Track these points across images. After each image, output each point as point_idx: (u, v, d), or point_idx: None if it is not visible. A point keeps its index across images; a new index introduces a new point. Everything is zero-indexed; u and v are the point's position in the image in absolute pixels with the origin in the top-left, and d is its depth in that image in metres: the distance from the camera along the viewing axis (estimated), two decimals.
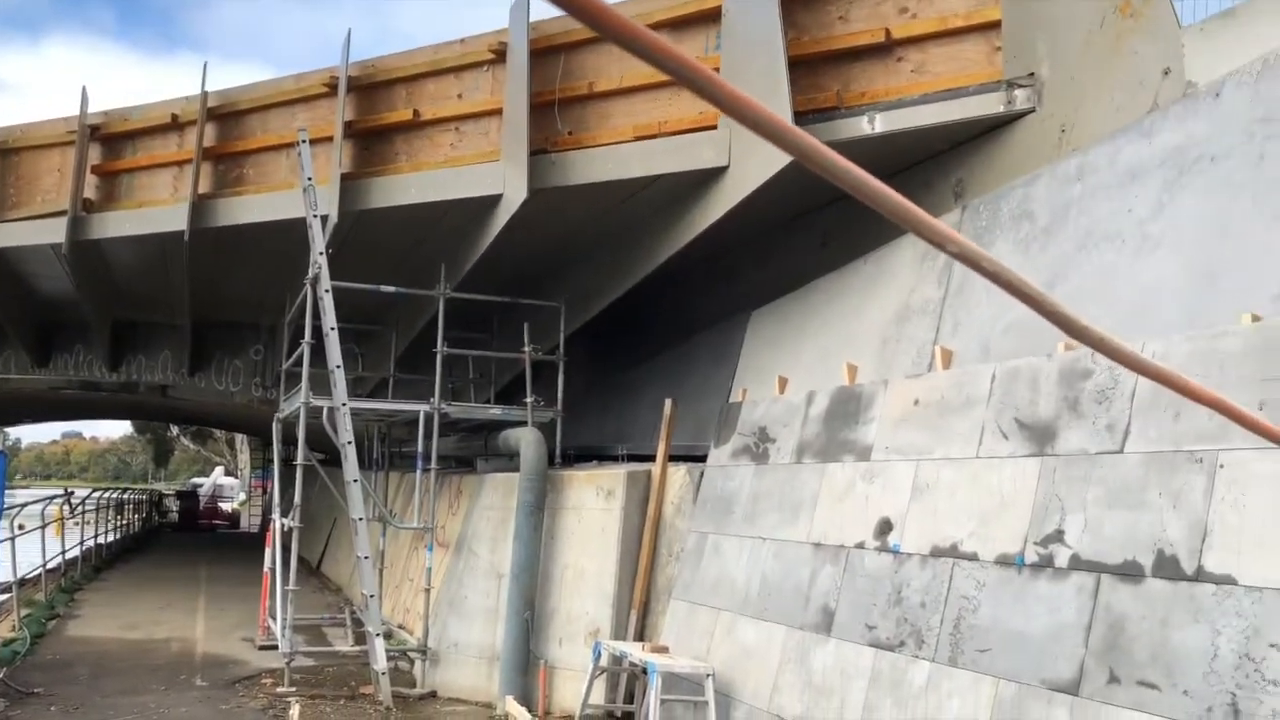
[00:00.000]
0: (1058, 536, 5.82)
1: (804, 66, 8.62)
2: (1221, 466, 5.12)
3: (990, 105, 7.88)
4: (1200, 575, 5.01)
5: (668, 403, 10.65)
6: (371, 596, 10.66)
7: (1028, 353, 6.73)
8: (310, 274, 11.26)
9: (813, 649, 7.39)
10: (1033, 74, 7.79)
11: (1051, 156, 7.39)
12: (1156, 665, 5.03)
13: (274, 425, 14.23)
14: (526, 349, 12.14)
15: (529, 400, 12.03)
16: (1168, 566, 5.18)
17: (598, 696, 9.45)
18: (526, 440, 11.11)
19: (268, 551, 13.55)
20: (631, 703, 9.45)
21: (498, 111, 10.51)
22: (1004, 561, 6.10)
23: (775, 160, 8.24)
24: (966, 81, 8.10)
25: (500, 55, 10.49)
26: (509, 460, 12.24)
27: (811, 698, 7.22)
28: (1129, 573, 5.36)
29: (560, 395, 12.31)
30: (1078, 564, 5.64)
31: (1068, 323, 1.30)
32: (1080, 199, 6.92)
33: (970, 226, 7.89)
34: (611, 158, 9.79)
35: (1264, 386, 5.13)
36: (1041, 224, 7.16)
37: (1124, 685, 5.15)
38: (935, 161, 8.76)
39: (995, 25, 8.04)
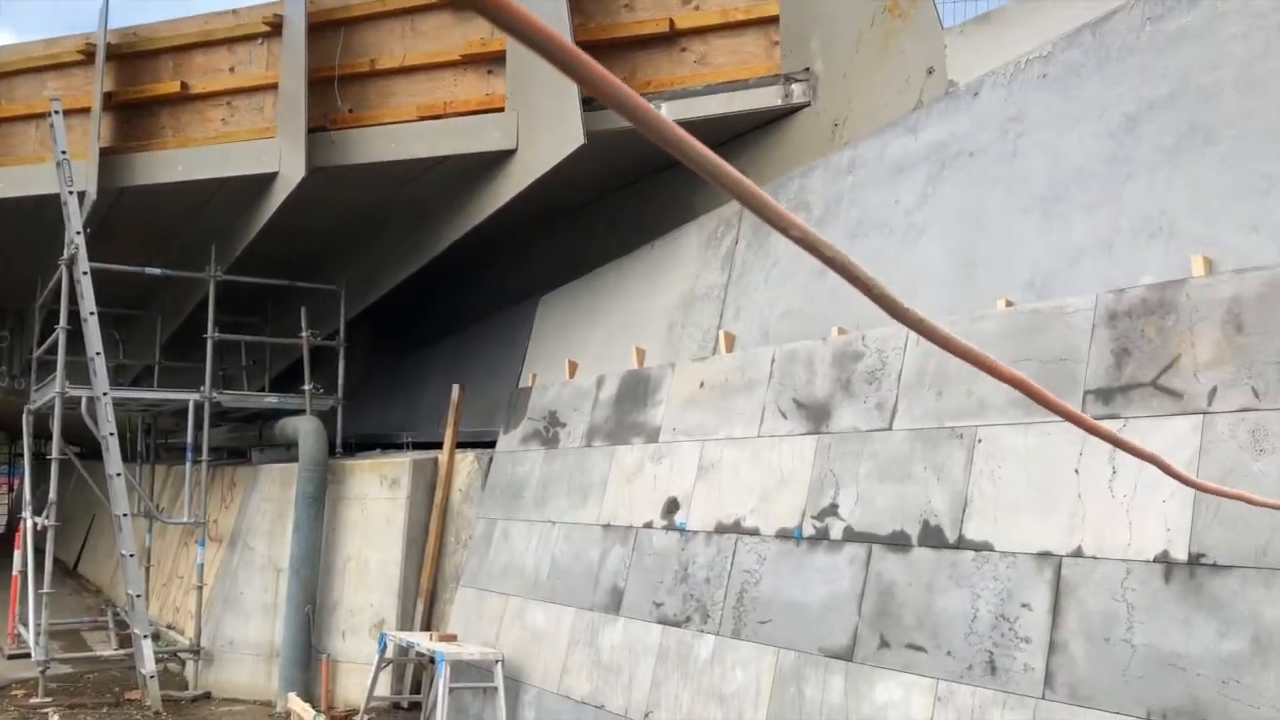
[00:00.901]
0: (833, 510, 6.10)
1: (591, 53, 8.62)
2: (980, 441, 5.50)
3: (769, 98, 8.15)
4: (961, 543, 5.37)
5: (455, 388, 10.51)
6: (138, 596, 10.04)
7: (803, 336, 7.02)
8: (66, 254, 10.46)
9: (602, 629, 7.48)
10: (808, 69, 8.11)
11: (826, 149, 7.73)
12: (923, 629, 5.36)
13: (24, 417, 13.15)
14: (304, 334, 11.69)
15: (307, 388, 11.60)
16: (932, 536, 5.53)
17: (383, 689, 9.25)
18: (305, 429, 10.72)
19: (17, 554, 12.53)
20: (419, 693, 9.30)
21: (273, 87, 10.06)
22: (784, 535, 6.35)
23: (564, 144, 8.26)
24: (747, 74, 8.35)
25: (276, 28, 10.03)
26: (286, 450, 11.77)
27: (601, 676, 7.31)
28: (898, 543, 5.69)
29: (341, 382, 11.93)
30: (851, 536, 5.94)
31: (892, 305, 1.36)
32: (852, 190, 7.26)
33: (751, 215, 8.13)
34: (394, 137, 9.55)
35: (1016, 367, 5.52)
36: (817, 214, 7.47)
37: (894, 649, 5.46)
38: (718, 151, 8.95)
39: (773, 20, 8.32)
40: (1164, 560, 4.50)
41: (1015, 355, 5.55)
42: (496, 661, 7.96)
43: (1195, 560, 4.39)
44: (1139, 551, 4.61)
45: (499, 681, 7.88)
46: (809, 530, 6.22)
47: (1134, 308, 5.10)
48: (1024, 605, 4.95)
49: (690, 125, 8.42)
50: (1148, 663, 4.40)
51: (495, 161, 9.27)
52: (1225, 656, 4.16)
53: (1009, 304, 5.78)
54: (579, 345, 9.57)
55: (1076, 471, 4.99)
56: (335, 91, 9.77)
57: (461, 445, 10.36)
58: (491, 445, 9.95)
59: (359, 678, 9.45)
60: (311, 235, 11.79)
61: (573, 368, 9.22)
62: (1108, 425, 4.90)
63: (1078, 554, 4.84)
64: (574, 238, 10.77)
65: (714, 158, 1.07)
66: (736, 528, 6.72)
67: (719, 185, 1.09)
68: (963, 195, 6.45)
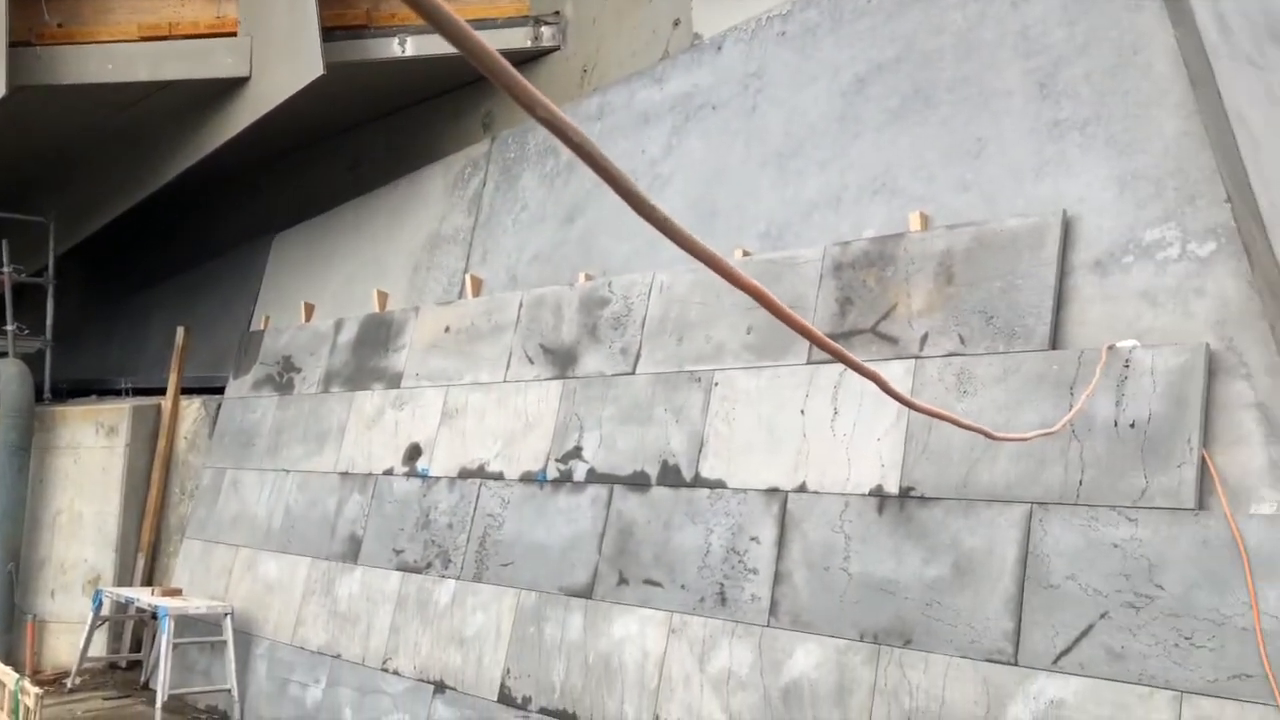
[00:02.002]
0: (577, 453, 6.18)
1: None
2: (716, 384, 5.70)
3: (518, 39, 8.05)
4: (698, 481, 5.56)
5: (180, 330, 9.87)
6: None
7: (551, 282, 7.03)
8: None
9: (339, 578, 7.28)
10: (558, 12, 8.07)
11: (575, 94, 7.72)
12: (660, 565, 5.54)
13: None
14: (5, 269, 10.63)
15: (10, 328, 10.58)
16: (671, 475, 5.70)
17: (99, 648, 8.65)
18: (7, 374, 9.77)
19: None
20: (139, 651, 8.76)
21: None
22: (528, 479, 6.37)
23: (302, 74, 7.86)
24: (496, 14, 8.21)
25: None
26: None
27: (338, 626, 7.12)
28: (638, 483, 5.83)
29: (50, 323, 10.94)
30: (594, 477, 6.03)
31: (638, 201, 1.35)
32: (600, 137, 7.29)
33: (499, 158, 8.06)
34: (112, 57, 8.76)
35: (751, 314, 5.76)
36: (565, 159, 7.47)
37: (632, 585, 5.61)
38: (467, 91, 8.80)
39: None
40: (878, 494, 4.83)
41: (752, 302, 5.76)
42: (225, 614, 7.60)
43: (905, 493, 4.74)
44: (856, 486, 4.93)
45: (228, 635, 7.54)
46: (553, 473, 6.27)
47: (857, 259, 5.40)
48: (753, 539, 5.20)
49: (436, 61, 8.20)
50: (862, 589, 4.72)
51: (227, 89, 8.70)
52: (930, 581, 4.52)
53: (746, 254, 5.99)
54: (317, 287, 9.19)
55: (802, 412, 5.26)
56: (42, 3, 8.85)
57: (188, 391, 9.76)
58: (221, 391, 9.43)
59: (71, 638, 8.80)
60: (15, 161, 10.69)
61: (309, 310, 8.86)
62: (831, 369, 5.20)
63: (802, 489, 5.11)
64: (313, 174, 10.30)
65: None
66: (481, 472, 6.69)
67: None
68: (706, 147, 6.61)
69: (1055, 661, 4.07)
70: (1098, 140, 4.77)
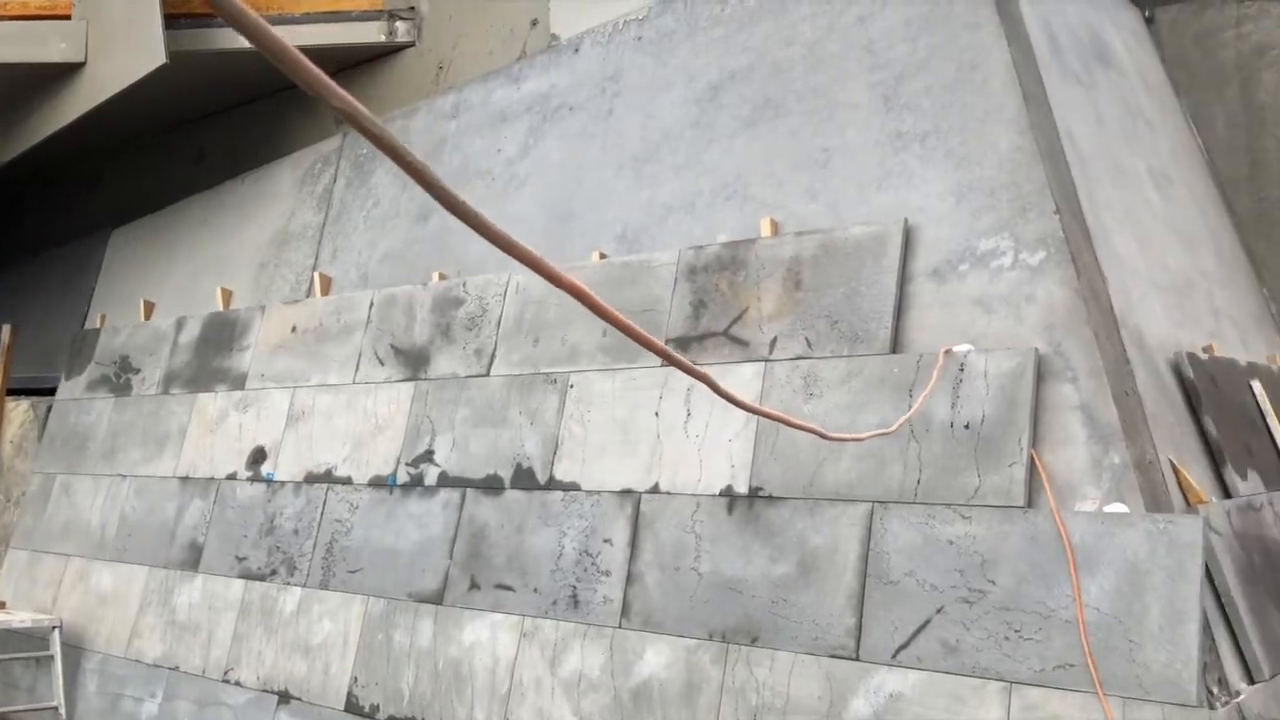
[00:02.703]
0: (428, 457, 6.08)
1: None
2: (572, 386, 5.69)
3: (371, 33, 7.88)
4: (551, 484, 5.54)
5: (5, 328, 9.32)
6: None
7: (404, 281, 6.90)
8: None
9: (178, 587, 6.98)
10: (413, 8, 7.93)
11: (430, 91, 7.61)
12: (512, 568, 5.49)
13: None
14: None
15: None
16: (525, 478, 5.66)
17: None
18: None
19: None
20: None
21: None
22: (377, 483, 6.24)
23: (142, 62, 7.52)
24: (350, 6, 8.01)
25: None
26: None
27: (176, 637, 6.83)
28: (492, 486, 5.77)
29: None
30: (446, 481, 5.94)
31: (462, 210, 1.33)
32: (456, 135, 7.21)
33: (351, 153, 7.87)
34: None
35: None
36: (419, 156, 7.33)
37: (484, 590, 5.55)
38: None
39: None
40: (728, 494, 4.90)
41: (608, 304, 5.78)
42: (54, 628, 7.21)
43: (754, 493, 4.82)
44: (708, 487, 4.99)
45: (56, 649, 7.15)
46: (403, 477, 6.15)
47: (711, 263, 5.47)
48: (606, 541, 5.20)
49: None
50: (711, 588, 4.78)
51: (59, 75, 8.26)
52: (776, 579, 4.61)
53: (603, 256, 6.00)
54: (157, 284, 8.81)
55: (657, 414, 5.29)
56: None
57: (15, 392, 9.23)
58: (52, 392, 8.94)
59: None
60: None
61: (149, 308, 8.48)
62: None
63: (655, 490, 5.15)
64: (155, 167, 9.86)
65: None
66: (328, 477, 6.52)
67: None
68: (562, 149, 6.60)
69: (894, 656, 4.20)
70: (937, 153, 4.95)
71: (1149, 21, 7.38)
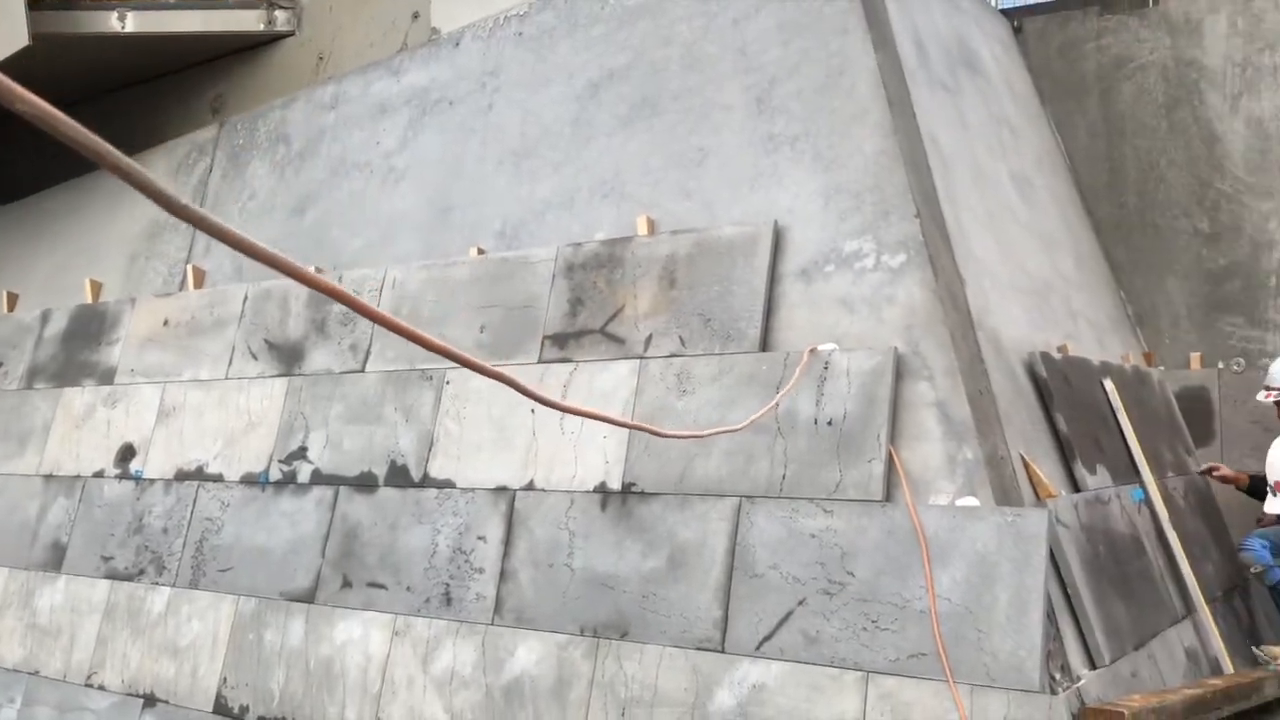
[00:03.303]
0: (301, 453, 5.98)
1: None
2: (448, 383, 5.66)
3: (249, 22, 7.71)
4: (426, 481, 5.51)
5: None
6: None
7: (278, 274, 6.76)
8: None
9: (40, 589, 6.75)
10: None
11: (309, 82, 7.48)
12: (385, 567, 5.44)
13: None
14: None
15: None
16: (399, 475, 5.61)
17: None
18: None
19: None
20: None
21: None
22: (249, 481, 6.12)
23: (3, 44, 7.23)
24: None
25: None
26: None
27: (36, 640, 6.60)
28: (365, 483, 5.71)
29: None
30: (319, 478, 5.86)
31: (299, 274, 1.32)
32: (334, 127, 7.10)
33: (228, 144, 7.69)
34: None
35: (485, 312, 5.76)
36: (297, 148, 7.22)
37: (356, 589, 5.49)
38: (195, 72, 8.35)
39: None
40: (602, 490, 4.93)
41: (485, 301, 5.78)
42: None
43: (627, 489, 4.86)
44: (582, 483, 5.02)
45: None
46: (276, 475, 6.04)
47: (588, 260, 5.50)
48: (480, 538, 5.20)
49: (160, 40, 7.75)
50: (584, 584, 4.81)
51: None
52: (647, 574, 4.66)
53: (481, 252, 5.98)
54: (21, 275, 8.48)
55: (533, 411, 5.30)
56: None
57: None
58: None
59: None
60: None
61: (12, 300, 8.17)
62: (562, 368, 5.28)
63: (530, 487, 5.16)
64: (19, 154, 9.48)
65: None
66: (199, 474, 6.37)
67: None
68: (442, 143, 6.55)
69: (758, 647, 4.29)
70: (806, 155, 5.06)
71: (1017, 31, 7.64)
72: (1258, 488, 6.23)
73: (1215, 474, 6.36)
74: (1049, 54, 7.53)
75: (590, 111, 5.95)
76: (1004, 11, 7.82)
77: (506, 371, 5.15)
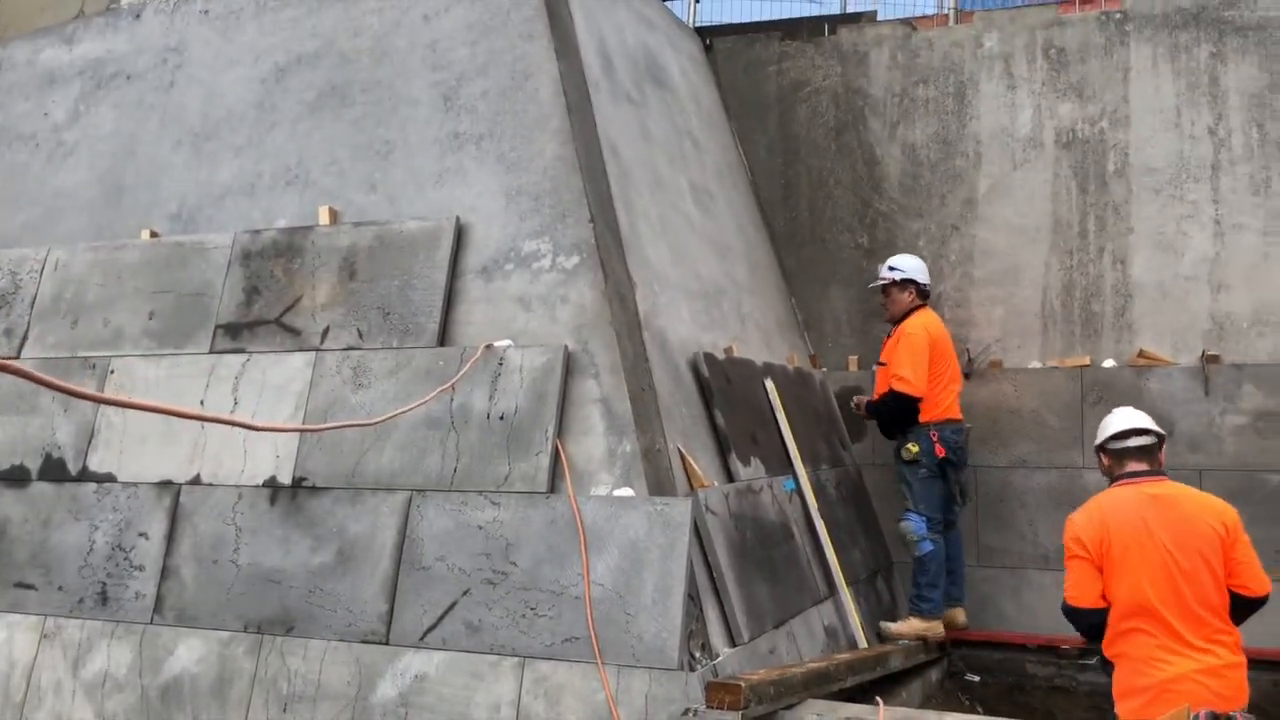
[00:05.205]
0: None
1: None
2: (112, 371, 5.38)
3: None
4: (85, 475, 5.22)
5: None
6: None
7: None
8: None
9: None
10: None
11: None
12: (36, 565, 5.11)
13: None
14: None
15: None
16: (55, 469, 5.28)
17: None
18: None
19: None
20: None
21: None
22: None
23: None
24: None
25: None
26: None
27: None
28: (17, 478, 5.34)
29: None
30: None
31: None
32: None
33: None
34: None
35: (155, 298, 5.52)
36: None
37: (2, 590, 5.12)
38: None
39: None
40: (272, 484, 4.85)
41: (156, 286, 5.53)
42: None
43: (298, 484, 4.80)
44: (251, 477, 4.91)
45: None
46: None
47: (267, 249, 5.38)
48: (141, 534, 4.98)
49: None
50: (250, 580, 4.72)
51: None
52: (315, 568, 4.63)
53: (154, 235, 5.72)
54: None
55: (202, 403, 5.13)
56: None
57: None
58: None
59: None
60: None
61: None
62: (234, 359, 5.14)
63: (196, 481, 4.99)
64: None
65: None
66: None
67: None
68: (117, 119, 6.21)
69: (422, 638, 4.35)
70: (490, 155, 5.17)
71: (708, 49, 8.08)
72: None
73: (859, 405, 6.82)
74: (736, 73, 8.00)
75: (276, 96, 5.81)
76: (698, 29, 8.24)
77: (182, 359, 4.96)
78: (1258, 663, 5.04)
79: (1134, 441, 4.20)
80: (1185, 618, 3.86)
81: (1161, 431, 4.29)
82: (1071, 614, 4.11)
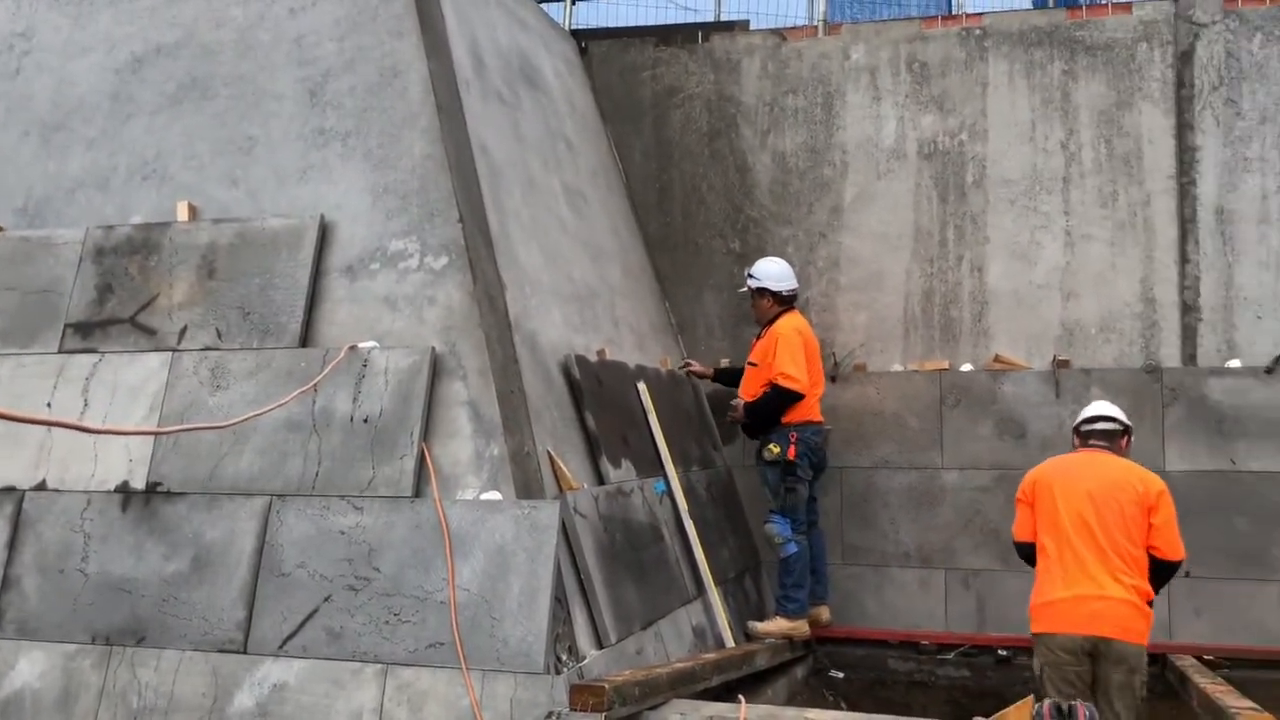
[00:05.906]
0: None
1: None
2: None
3: None
4: None
5: None
6: None
7: None
8: None
9: None
10: None
11: None
12: None
13: None
14: None
15: None
16: None
17: None
18: None
19: None
20: None
21: None
22: None
23: None
24: None
25: None
26: None
27: None
28: None
29: None
30: None
31: None
32: None
33: None
34: None
35: (1, 296, 5.25)
36: None
37: None
38: None
39: None
40: (124, 490, 4.66)
41: (1, 283, 5.27)
42: None
43: (152, 489, 4.63)
44: (102, 483, 4.71)
45: None
46: None
47: (121, 245, 5.18)
48: None
49: None
50: (99, 589, 4.52)
51: None
52: (169, 576, 4.47)
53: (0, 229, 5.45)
54: None
55: (49, 405, 4.91)
56: None
57: None
58: None
59: None
60: None
61: None
62: (85, 359, 4.93)
63: (41, 487, 4.77)
64: None
65: None
66: None
67: None
68: None
69: (281, 646, 4.24)
70: (357, 153, 5.08)
71: (583, 52, 8.09)
72: (723, 378, 7.02)
73: (690, 370, 7.05)
74: (612, 77, 8.03)
75: (133, 87, 5.60)
76: (574, 32, 8.24)
77: (26, 359, 4.74)
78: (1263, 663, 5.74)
79: (1099, 425, 4.83)
80: (1092, 549, 4.45)
81: (1128, 423, 4.89)
82: (1016, 547, 4.88)
